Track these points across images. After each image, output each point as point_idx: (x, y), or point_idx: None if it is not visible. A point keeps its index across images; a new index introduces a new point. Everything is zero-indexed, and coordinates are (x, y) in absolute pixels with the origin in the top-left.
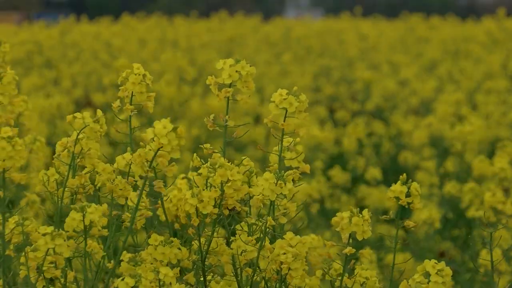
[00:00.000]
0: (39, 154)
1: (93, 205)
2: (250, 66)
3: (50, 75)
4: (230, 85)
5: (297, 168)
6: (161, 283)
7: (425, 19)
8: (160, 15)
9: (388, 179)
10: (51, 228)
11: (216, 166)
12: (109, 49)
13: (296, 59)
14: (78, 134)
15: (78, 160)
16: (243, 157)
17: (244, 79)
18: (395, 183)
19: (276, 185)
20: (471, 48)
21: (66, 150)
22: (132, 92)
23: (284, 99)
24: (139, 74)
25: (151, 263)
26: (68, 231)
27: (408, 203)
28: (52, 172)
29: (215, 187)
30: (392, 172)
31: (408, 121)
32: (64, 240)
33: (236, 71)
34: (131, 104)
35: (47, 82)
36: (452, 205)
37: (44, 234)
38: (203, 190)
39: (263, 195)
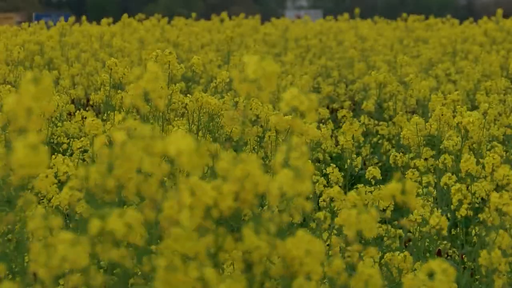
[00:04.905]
0: None
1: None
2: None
3: (51, 75)
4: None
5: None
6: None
7: (423, 20)
8: (160, 17)
9: (387, 179)
10: (71, 235)
11: (237, 159)
12: (109, 50)
13: (296, 59)
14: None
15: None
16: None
17: (267, 76)
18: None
19: (296, 181)
20: (469, 48)
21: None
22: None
23: (295, 97)
24: (153, 73)
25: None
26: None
27: (404, 202)
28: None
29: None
30: (391, 172)
31: (405, 121)
32: (83, 248)
33: (260, 68)
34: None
35: None
36: (450, 204)
37: (62, 241)
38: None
39: (281, 191)
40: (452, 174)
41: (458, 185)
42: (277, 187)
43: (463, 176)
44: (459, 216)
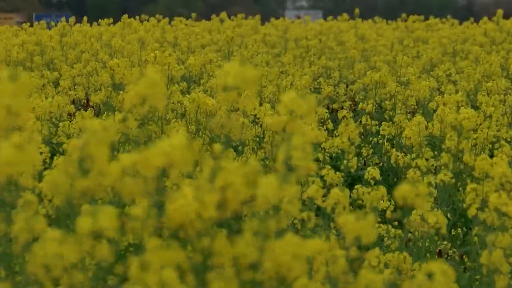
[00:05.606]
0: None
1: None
2: (251, 67)
3: (51, 75)
4: (234, 88)
5: (302, 167)
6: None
7: (423, 21)
8: (160, 17)
9: (387, 179)
10: (59, 232)
11: (218, 169)
12: (109, 50)
13: (295, 59)
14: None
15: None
16: (249, 157)
17: (247, 82)
18: (395, 183)
19: (279, 189)
20: (469, 48)
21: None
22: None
23: (293, 100)
24: (151, 79)
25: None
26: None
27: (414, 204)
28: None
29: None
30: (392, 172)
31: (406, 121)
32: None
33: (239, 75)
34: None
35: (47, 83)
36: (451, 204)
37: (51, 239)
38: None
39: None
40: (453, 174)
41: (473, 185)
42: (261, 195)
43: (477, 176)
44: (470, 216)
